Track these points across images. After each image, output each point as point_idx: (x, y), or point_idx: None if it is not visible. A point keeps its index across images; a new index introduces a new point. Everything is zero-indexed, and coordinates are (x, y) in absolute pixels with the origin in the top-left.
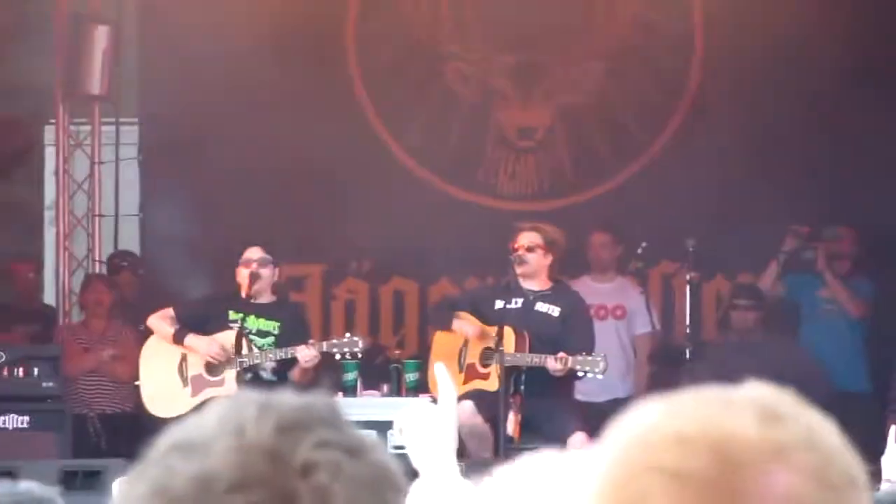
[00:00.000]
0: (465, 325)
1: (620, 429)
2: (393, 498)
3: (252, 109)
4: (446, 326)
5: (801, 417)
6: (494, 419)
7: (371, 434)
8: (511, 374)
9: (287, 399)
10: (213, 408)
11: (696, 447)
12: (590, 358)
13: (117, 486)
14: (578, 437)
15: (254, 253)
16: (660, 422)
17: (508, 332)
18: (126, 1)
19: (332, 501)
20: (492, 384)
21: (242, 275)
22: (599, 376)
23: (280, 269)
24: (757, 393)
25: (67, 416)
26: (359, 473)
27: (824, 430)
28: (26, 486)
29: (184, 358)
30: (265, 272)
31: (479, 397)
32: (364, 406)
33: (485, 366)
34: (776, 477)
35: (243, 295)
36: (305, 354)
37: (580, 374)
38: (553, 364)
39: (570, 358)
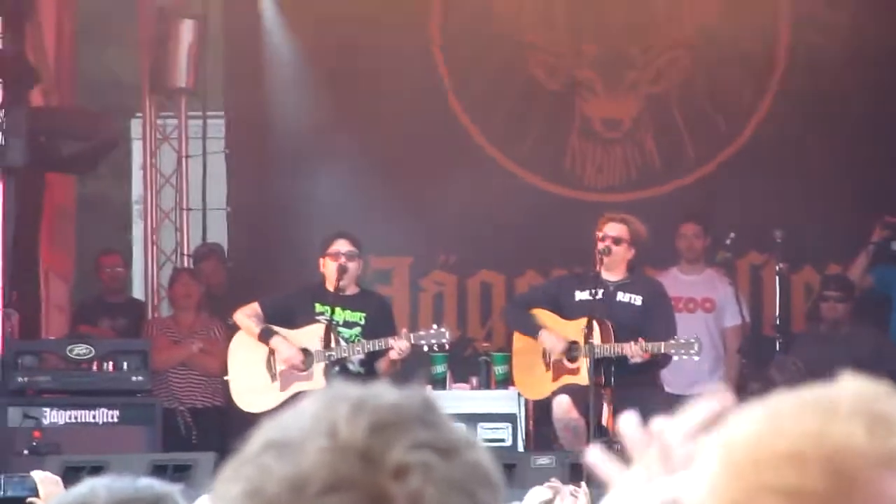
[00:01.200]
0: (549, 338)
1: (724, 443)
2: (487, 497)
3: (336, 101)
4: (523, 330)
5: None
6: (586, 412)
7: (466, 429)
8: (600, 366)
9: (381, 396)
10: (308, 404)
11: (810, 464)
12: (682, 341)
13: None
14: None
15: (342, 245)
16: (768, 436)
17: (594, 324)
18: None
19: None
20: (582, 378)
21: (329, 267)
22: (696, 358)
23: (367, 262)
24: (860, 395)
25: (157, 410)
26: (452, 474)
27: None
28: (147, 481)
29: (272, 352)
30: (352, 265)
31: (571, 392)
32: (454, 399)
33: (570, 360)
34: (891, 485)
35: (330, 288)
36: (399, 346)
37: (675, 357)
38: (634, 350)
39: (663, 343)
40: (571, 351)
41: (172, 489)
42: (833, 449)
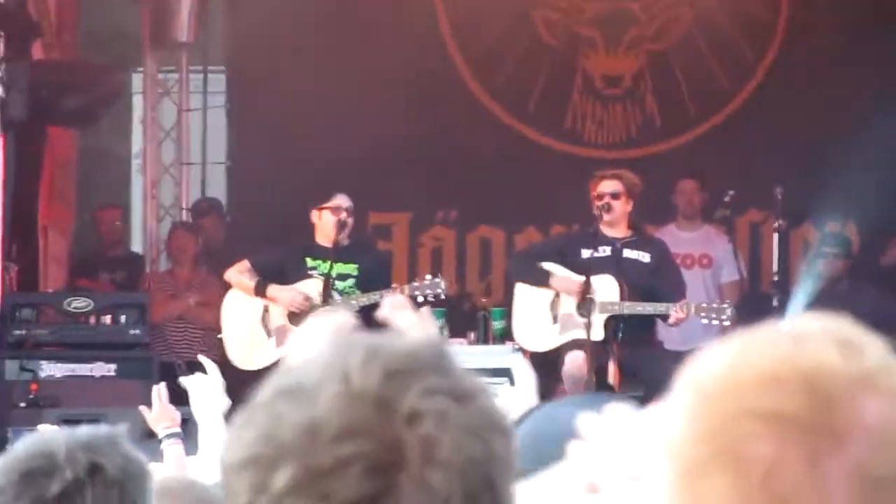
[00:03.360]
0: (561, 281)
1: (699, 373)
2: (500, 443)
3: (337, 59)
4: (532, 280)
5: (874, 345)
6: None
7: (479, 378)
8: (611, 322)
9: (394, 344)
10: (321, 351)
11: (789, 386)
12: (715, 305)
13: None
14: None
15: (343, 201)
16: (739, 364)
17: (610, 280)
18: None
19: (438, 449)
20: (595, 333)
21: (326, 219)
22: (727, 323)
23: (367, 217)
24: (826, 325)
25: (155, 364)
26: (465, 420)
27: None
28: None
29: (266, 309)
30: (350, 220)
31: (579, 346)
32: None
33: (581, 315)
34: (867, 404)
35: (324, 242)
36: (392, 302)
37: (704, 321)
38: (677, 314)
39: (695, 305)
40: (582, 307)
41: (120, 429)
42: (809, 370)
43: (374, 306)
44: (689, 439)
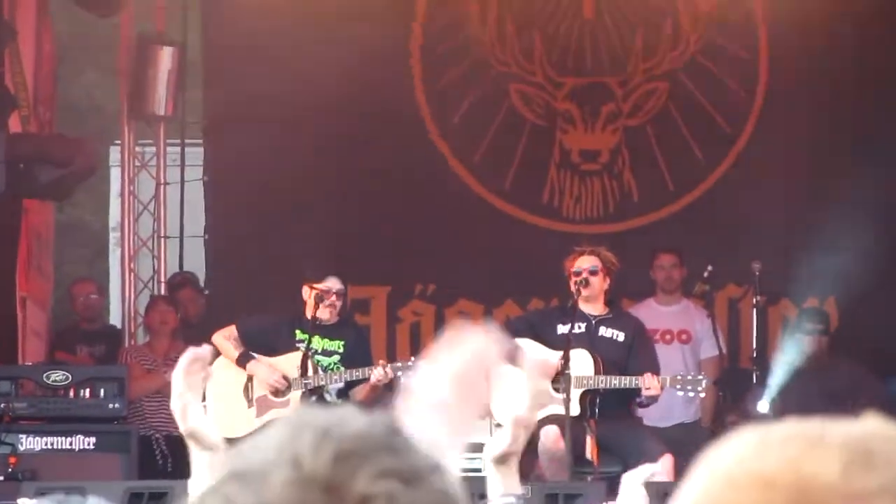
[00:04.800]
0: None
1: (711, 461)
2: None
3: (316, 130)
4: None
5: (894, 462)
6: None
7: (436, 455)
8: (587, 398)
9: (347, 423)
10: (273, 431)
11: (778, 490)
12: (689, 377)
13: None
14: (667, 460)
15: (334, 283)
16: (748, 459)
17: (585, 355)
18: (191, 22)
19: None
20: (572, 408)
21: (317, 301)
22: (702, 395)
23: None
24: (855, 431)
25: (133, 437)
26: (414, 502)
27: None
28: (95, 500)
29: (250, 379)
30: (340, 304)
31: (558, 422)
32: None
33: (556, 390)
34: None
35: (309, 316)
36: (379, 374)
37: (680, 393)
38: (651, 383)
39: (669, 378)
40: (559, 382)
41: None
42: (804, 479)
43: (357, 382)
44: None
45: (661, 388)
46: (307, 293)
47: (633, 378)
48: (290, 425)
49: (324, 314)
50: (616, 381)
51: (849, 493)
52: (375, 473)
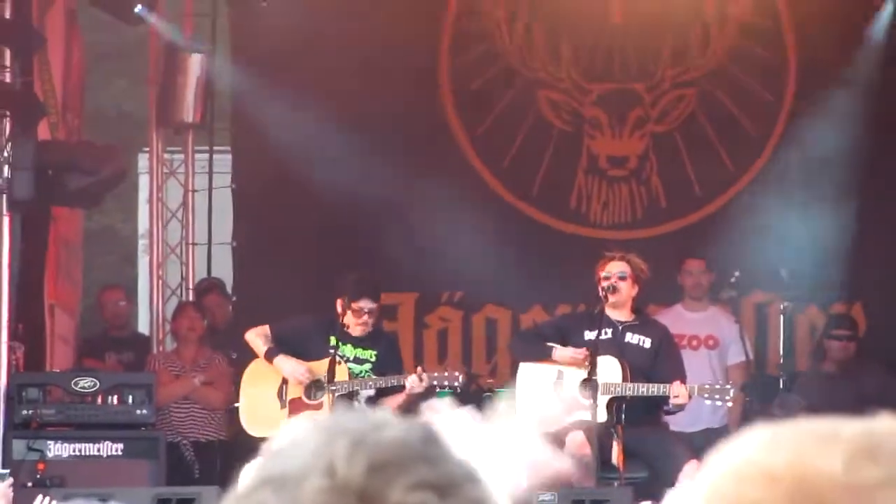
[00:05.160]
0: (564, 352)
1: (720, 457)
2: None
3: (344, 135)
4: (534, 357)
5: None
6: (596, 448)
7: (469, 462)
8: (613, 404)
9: (382, 430)
10: (308, 435)
11: (782, 484)
12: (717, 386)
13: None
14: (693, 466)
15: (367, 304)
16: (755, 454)
17: (613, 361)
18: (220, 30)
19: None
20: (599, 414)
21: (349, 317)
22: (729, 405)
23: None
24: (866, 426)
25: (161, 444)
26: None
27: None
28: None
29: (284, 381)
30: (372, 320)
31: (584, 428)
32: None
33: (585, 396)
34: None
35: (342, 326)
36: (413, 381)
37: (707, 402)
38: (679, 391)
39: (697, 386)
40: (587, 387)
41: None
42: (807, 472)
43: (389, 391)
44: None
45: (690, 397)
46: (341, 307)
47: (662, 386)
48: (325, 431)
49: (356, 331)
50: (644, 389)
51: (851, 486)
52: (411, 485)
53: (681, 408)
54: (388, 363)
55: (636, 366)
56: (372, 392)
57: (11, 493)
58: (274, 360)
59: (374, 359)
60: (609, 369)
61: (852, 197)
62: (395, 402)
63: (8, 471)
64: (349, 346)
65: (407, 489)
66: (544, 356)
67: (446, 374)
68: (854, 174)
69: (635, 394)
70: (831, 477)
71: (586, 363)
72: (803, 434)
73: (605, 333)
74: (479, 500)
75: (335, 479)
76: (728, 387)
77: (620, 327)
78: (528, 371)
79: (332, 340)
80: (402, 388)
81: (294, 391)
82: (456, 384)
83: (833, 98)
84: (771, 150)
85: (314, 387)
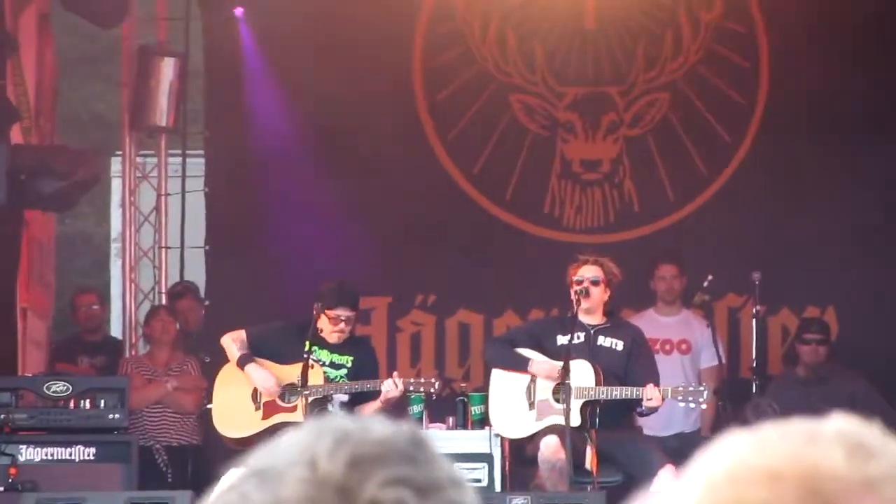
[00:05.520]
0: (540, 366)
1: (706, 463)
2: None
3: (316, 141)
4: (508, 365)
5: (889, 450)
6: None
7: (458, 469)
8: (587, 408)
9: (368, 429)
10: (296, 434)
11: (786, 483)
12: (691, 388)
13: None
14: (668, 470)
15: (343, 312)
16: (747, 456)
17: (586, 365)
18: (193, 34)
19: None
20: (572, 419)
21: (325, 323)
22: (703, 406)
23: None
24: (843, 426)
25: (134, 448)
26: None
27: None
28: None
29: None
30: (349, 327)
31: (558, 432)
32: None
33: (558, 401)
34: None
35: (319, 332)
36: (389, 385)
37: (682, 404)
38: (652, 394)
39: (671, 388)
40: (559, 392)
41: None
42: (810, 469)
43: (364, 397)
44: None
45: (663, 399)
46: (316, 312)
47: (635, 389)
48: (312, 429)
49: (332, 338)
50: (617, 392)
51: (859, 480)
52: (387, 480)
53: (654, 410)
54: (365, 370)
55: (609, 369)
56: (345, 398)
57: None
58: (245, 368)
59: (350, 364)
60: (582, 373)
61: (825, 200)
62: (370, 409)
63: None
64: (325, 350)
65: (383, 484)
66: (520, 367)
67: (422, 380)
68: (827, 178)
69: (608, 397)
70: (835, 472)
71: (560, 378)
72: (790, 434)
73: (578, 338)
74: (460, 503)
75: (316, 472)
76: (702, 388)
77: (592, 331)
78: (500, 376)
79: (307, 345)
80: (377, 393)
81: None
82: (432, 391)
83: (806, 101)
84: (743, 155)
85: (288, 390)
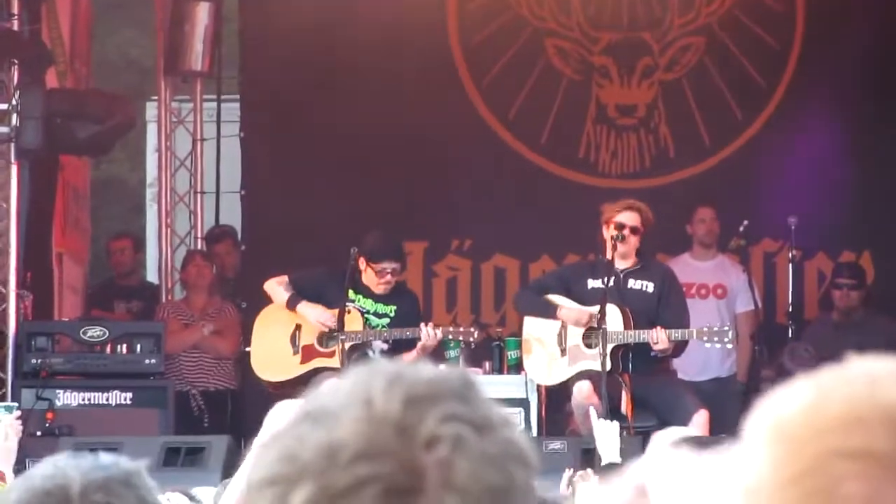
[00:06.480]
0: (569, 312)
1: (776, 416)
2: (520, 474)
3: (352, 86)
4: (538, 313)
5: None
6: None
7: (506, 410)
8: (619, 352)
9: (418, 371)
10: (347, 378)
11: (873, 425)
12: (716, 328)
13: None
14: (702, 416)
15: (389, 264)
16: (822, 404)
17: (613, 309)
18: None
19: (455, 475)
20: (600, 364)
21: (370, 276)
22: (729, 346)
23: None
24: (891, 366)
25: (170, 393)
26: (484, 448)
27: None
28: (110, 459)
29: (297, 328)
30: (395, 279)
31: (590, 377)
32: None
33: (588, 346)
34: None
35: (364, 283)
36: (429, 334)
37: (707, 345)
38: (659, 337)
39: (695, 330)
40: (589, 337)
41: (139, 465)
42: (889, 408)
43: (404, 344)
44: (776, 483)
45: (669, 341)
46: (363, 265)
47: (641, 332)
48: (364, 372)
49: (378, 289)
50: (646, 335)
51: None
52: (444, 416)
53: (665, 353)
54: (408, 320)
55: (640, 311)
56: (385, 346)
57: (21, 427)
58: (297, 308)
59: (393, 314)
60: (611, 317)
61: (860, 144)
62: (408, 357)
63: (16, 404)
64: (370, 300)
65: (441, 420)
66: (549, 314)
67: (461, 329)
68: (864, 121)
69: (626, 341)
70: None
71: (590, 323)
72: (849, 377)
73: (608, 282)
74: (514, 441)
75: (372, 410)
76: (726, 328)
77: (622, 274)
78: (533, 323)
79: (351, 293)
80: (415, 342)
81: (307, 337)
82: (471, 339)
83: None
84: (779, 99)
85: (327, 335)
